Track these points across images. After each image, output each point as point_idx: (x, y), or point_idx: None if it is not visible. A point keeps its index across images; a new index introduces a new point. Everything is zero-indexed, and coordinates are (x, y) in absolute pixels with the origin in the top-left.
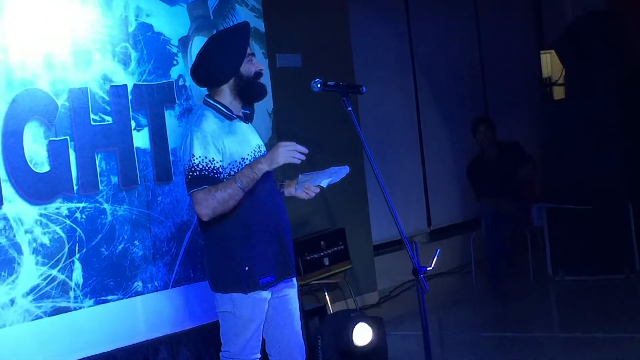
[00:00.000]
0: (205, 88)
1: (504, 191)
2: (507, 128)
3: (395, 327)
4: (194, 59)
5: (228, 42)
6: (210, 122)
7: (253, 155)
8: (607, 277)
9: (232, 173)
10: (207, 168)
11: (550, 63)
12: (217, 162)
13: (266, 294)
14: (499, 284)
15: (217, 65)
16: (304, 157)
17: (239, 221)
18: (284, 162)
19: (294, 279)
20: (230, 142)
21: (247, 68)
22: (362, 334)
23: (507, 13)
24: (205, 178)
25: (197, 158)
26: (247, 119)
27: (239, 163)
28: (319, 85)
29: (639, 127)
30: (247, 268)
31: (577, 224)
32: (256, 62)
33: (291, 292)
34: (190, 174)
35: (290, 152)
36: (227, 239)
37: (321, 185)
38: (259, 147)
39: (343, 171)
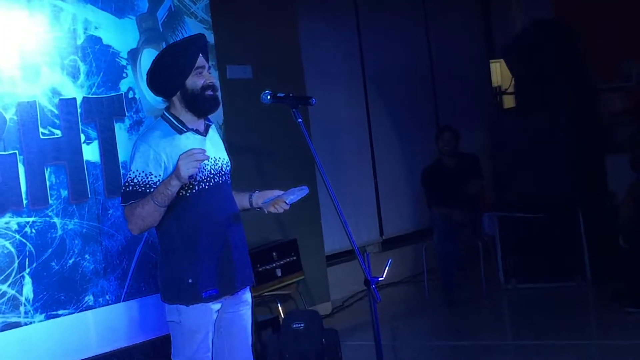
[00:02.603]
0: (161, 99)
1: (456, 200)
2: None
3: (348, 337)
4: (143, 71)
5: (175, 55)
6: (156, 135)
7: (204, 168)
8: (558, 285)
9: None
10: (141, 183)
11: (500, 72)
12: (154, 177)
13: (212, 305)
14: (451, 292)
15: (164, 77)
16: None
17: (183, 233)
18: (189, 174)
19: (247, 295)
20: (176, 155)
21: (194, 81)
22: None
23: (457, 22)
24: (135, 193)
25: (133, 172)
26: (207, 131)
27: None
28: (268, 97)
29: (589, 136)
30: (190, 280)
31: (529, 232)
32: (207, 75)
33: (244, 309)
34: (124, 187)
35: (190, 163)
36: (173, 250)
37: (287, 202)
38: (216, 160)
39: (303, 192)
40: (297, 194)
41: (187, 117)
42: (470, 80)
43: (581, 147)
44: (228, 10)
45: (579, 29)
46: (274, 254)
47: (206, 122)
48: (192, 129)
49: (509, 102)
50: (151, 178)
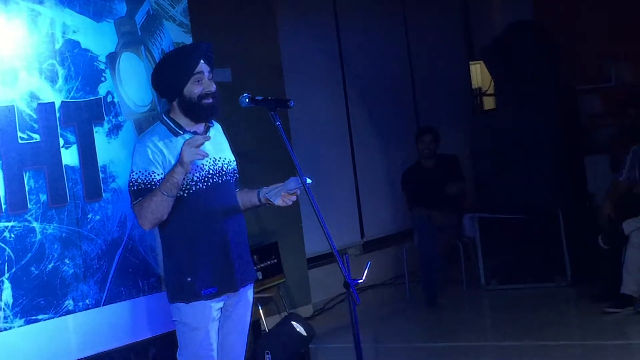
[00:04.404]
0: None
1: (436, 202)
2: None
3: (329, 339)
4: (122, 75)
5: (174, 61)
6: (154, 138)
7: (202, 168)
8: (539, 286)
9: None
10: (145, 181)
11: (480, 73)
12: (157, 175)
13: (213, 303)
14: (432, 294)
15: (163, 82)
16: (234, 165)
17: (183, 232)
18: (191, 159)
19: (248, 294)
20: (174, 157)
21: (190, 90)
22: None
23: (436, 24)
24: (142, 191)
25: (136, 172)
26: (206, 132)
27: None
28: (247, 100)
29: (568, 137)
30: (189, 279)
31: (509, 233)
32: (206, 82)
33: (243, 309)
34: (129, 188)
35: (192, 149)
36: (173, 250)
37: (294, 191)
38: (215, 160)
39: (305, 179)
40: (297, 184)
41: (185, 121)
42: (450, 81)
43: (561, 148)
44: (207, 13)
45: (559, 31)
46: (255, 257)
47: (207, 123)
48: (189, 131)
49: (489, 103)
50: (154, 176)
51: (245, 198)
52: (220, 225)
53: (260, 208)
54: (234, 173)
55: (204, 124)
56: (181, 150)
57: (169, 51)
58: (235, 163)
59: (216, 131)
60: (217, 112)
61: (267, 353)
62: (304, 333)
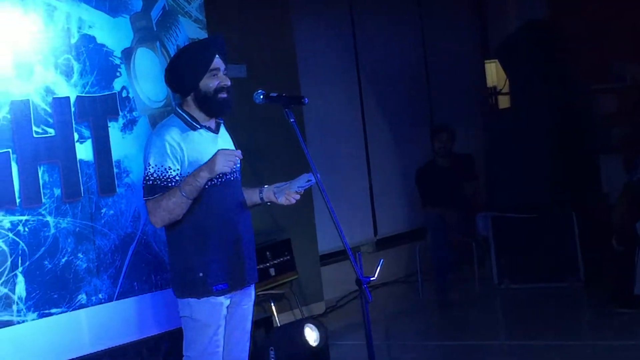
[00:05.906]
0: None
1: (450, 201)
2: None
3: (341, 337)
4: (137, 70)
5: (190, 56)
6: (172, 132)
7: None
8: (552, 285)
9: None
10: (161, 177)
11: (495, 72)
12: (173, 171)
13: (223, 300)
14: (445, 292)
15: (178, 77)
16: (239, 163)
17: (195, 228)
18: (222, 170)
19: (252, 290)
20: (191, 151)
21: (206, 84)
22: (312, 336)
23: (452, 22)
24: (157, 187)
25: (152, 167)
26: (218, 128)
27: None
28: (261, 97)
29: (583, 136)
30: (201, 274)
31: (522, 232)
32: (221, 77)
33: (247, 305)
34: (145, 182)
35: (227, 161)
36: (184, 245)
37: (298, 191)
38: None
39: (310, 182)
40: (304, 183)
41: (199, 115)
42: (465, 80)
43: (575, 147)
44: (222, 9)
45: (573, 30)
46: (268, 253)
47: (217, 120)
48: (204, 126)
49: (503, 102)
50: (170, 172)
51: (247, 196)
52: (233, 221)
53: (273, 205)
54: (239, 171)
55: (215, 120)
56: (214, 157)
57: (183, 46)
58: (240, 161)
59: (223, 129)
60: (231, 107)
61: (271, 350)
62: (312, 341)
